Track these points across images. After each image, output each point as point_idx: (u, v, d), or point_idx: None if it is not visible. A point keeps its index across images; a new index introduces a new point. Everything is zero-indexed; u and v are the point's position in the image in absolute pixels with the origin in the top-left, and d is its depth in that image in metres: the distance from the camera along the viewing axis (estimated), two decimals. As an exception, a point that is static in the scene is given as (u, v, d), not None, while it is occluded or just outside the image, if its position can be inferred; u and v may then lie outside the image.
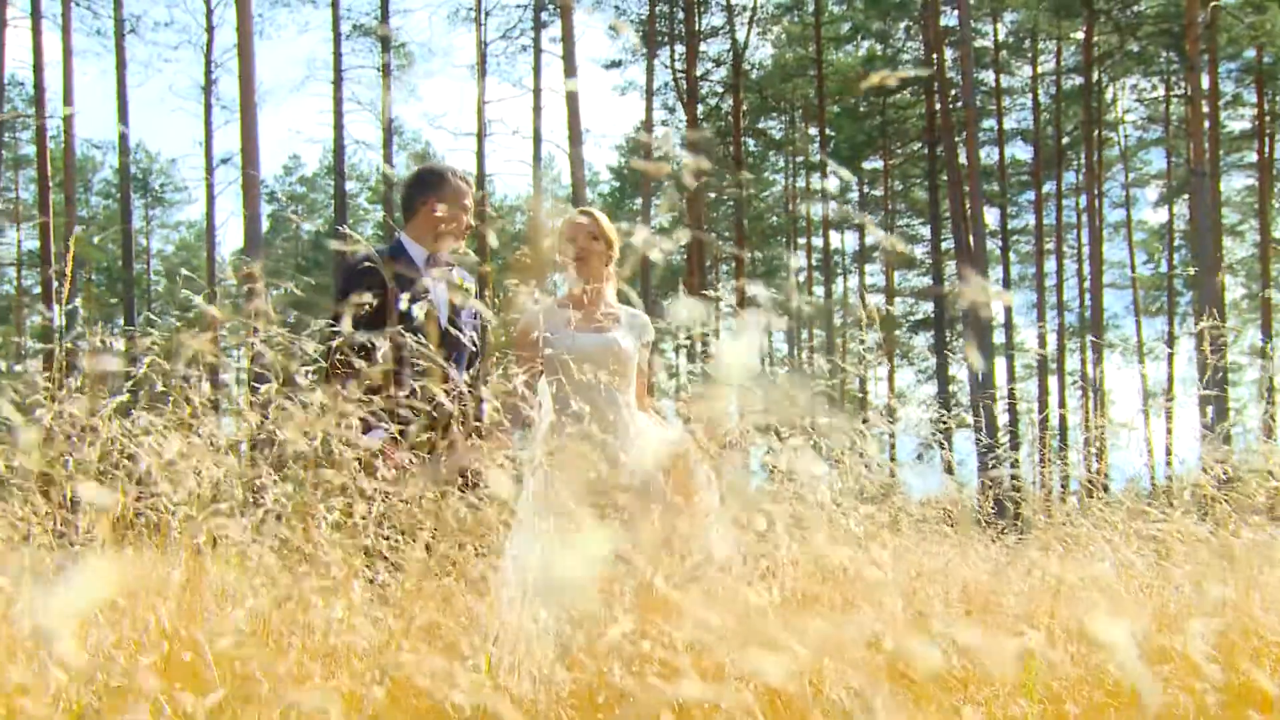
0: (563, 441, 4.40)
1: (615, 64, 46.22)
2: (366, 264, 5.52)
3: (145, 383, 3.20)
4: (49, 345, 3.58)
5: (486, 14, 43.29)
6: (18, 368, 3.28)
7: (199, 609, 2.55)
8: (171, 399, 3.08)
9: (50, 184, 38.10)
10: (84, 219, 52.21)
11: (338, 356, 4.04)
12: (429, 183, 6.15)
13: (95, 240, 51.08)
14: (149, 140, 72.35)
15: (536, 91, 41.75)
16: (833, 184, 47.82)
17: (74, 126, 38.84)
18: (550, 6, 40.95)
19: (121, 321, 41.53)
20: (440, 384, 3.70)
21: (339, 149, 41.63)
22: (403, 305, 3.92)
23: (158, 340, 3.36)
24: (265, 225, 42.00)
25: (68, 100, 37.64)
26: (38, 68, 37.13)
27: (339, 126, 41.13)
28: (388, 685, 2.25)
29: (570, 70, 36.64)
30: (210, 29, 42.16)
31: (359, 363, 3.37)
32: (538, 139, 41.57)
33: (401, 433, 3.66)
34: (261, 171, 34.65)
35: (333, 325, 4.68)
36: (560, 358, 5.53)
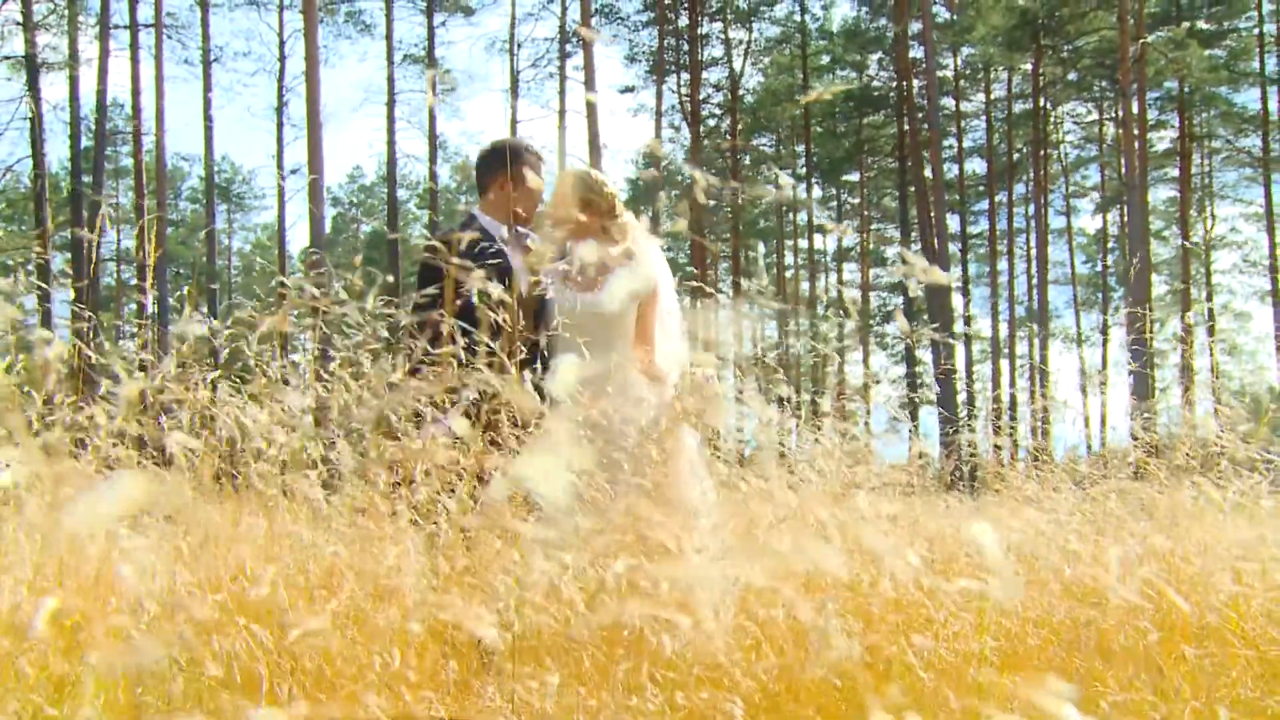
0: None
1: (629, 89, 46.62)
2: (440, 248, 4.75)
3: (229, 359, 3.18)
4: (144, 327, 3.55)
5: (519, 45, 43.31)
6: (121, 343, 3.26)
7: (274, 553, 2.54)
8: (249, 373, 3.06)
9: (145, 191, 38.23)
10: (174, 221, 52.25)
11: (417, 339, 3.63)
12: (504, 157, 5.42)
13: (184, 239, 51.19)
14: (231, 153, 72.37)
15: (561, 112, 41.76)
16: (814, 193, 47.90)
17: (165, 142, 38.83)
18: (574, 40, 40.90)
19: (205, 310, 41.61)
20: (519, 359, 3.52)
21: (391, 161, 41.59)
22: (474, 286, 3.44)
23: (239, 320, 3.34)
24: (329, 226, 42.01)
25: (160, 119, 37.68)
26: (135, 92, 37.30)
27: (391, 142, 41.09)
28: (429, 622, 2.23)
29: (591, 93, 36.59)
30: (282, 58, 42.13)
31: (421, 343, 3.29)
32: (562, 153, 41.54)
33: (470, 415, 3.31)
34: (325, 180, 34.71)
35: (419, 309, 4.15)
36: (555, 319, 4.99)
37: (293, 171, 42.16)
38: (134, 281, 44.02)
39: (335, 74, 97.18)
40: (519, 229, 5.43)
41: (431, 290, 3.51)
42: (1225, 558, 2.97)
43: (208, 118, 40.03)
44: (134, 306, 43.02)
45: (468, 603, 2.13)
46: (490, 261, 4.85)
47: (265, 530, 2.61)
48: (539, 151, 5.53)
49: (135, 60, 37.32)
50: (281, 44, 42.26)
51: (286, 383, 3.32)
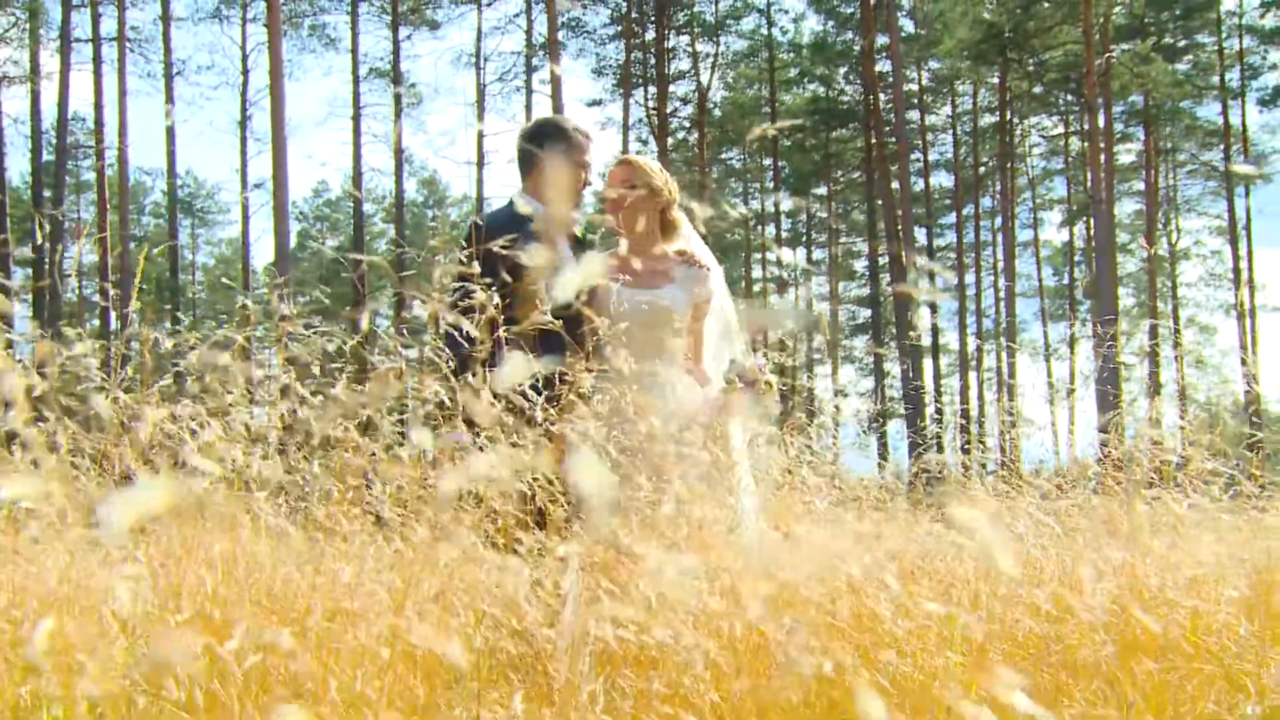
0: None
1: (596, 102, 46.51)
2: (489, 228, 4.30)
3: (188, 375, 3.15)
4: (105, 344, 3.51)
5: (485, 59, 43.31)
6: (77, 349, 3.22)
7: (234, 576, 2.53)
8: (209, 390, 3.05)
9: (108, 206, 38.05)
10: (136, 236, 51.99)
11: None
12: (548, 135, 5.09)
13: (148, 252, 50.88)
14: (194, 168, 72.06)
15: (528, 127, 41.75)
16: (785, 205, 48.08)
17: (128, 156, 38.68)
18: (541, 54, 40.94)
19: (168, 325, 41.41)
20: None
21: (357, 175, 41.51)
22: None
23: (199, 337, 3.32)
24: (293, 242, 41.85)
25: (123, 133, 37.54)
26: (97, 105, 37.24)
27: (357, 156, 41.00)
28: (393, 643, 2.23)
29: (558, 108, 36.60)
30: (245, 72, 41.99)
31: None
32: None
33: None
34: (290, 195, 34.63)
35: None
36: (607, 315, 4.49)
37: (257, 186, 42.07)
38: (96, 298, 43.86)
39: (300, 88, 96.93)
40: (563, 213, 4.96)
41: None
42: (1185, 572, 3.00)
43: (170, 132, 39.89)
44: (96, 323, 42.77)
45: (427, 623, 2.14)
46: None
47: (226, 550, 2.60)
48: (586, 131, 5.20)
49: (98, 74, 37.26)
50: (245, 57, 42.14)
51: (252, 399, 3.31)
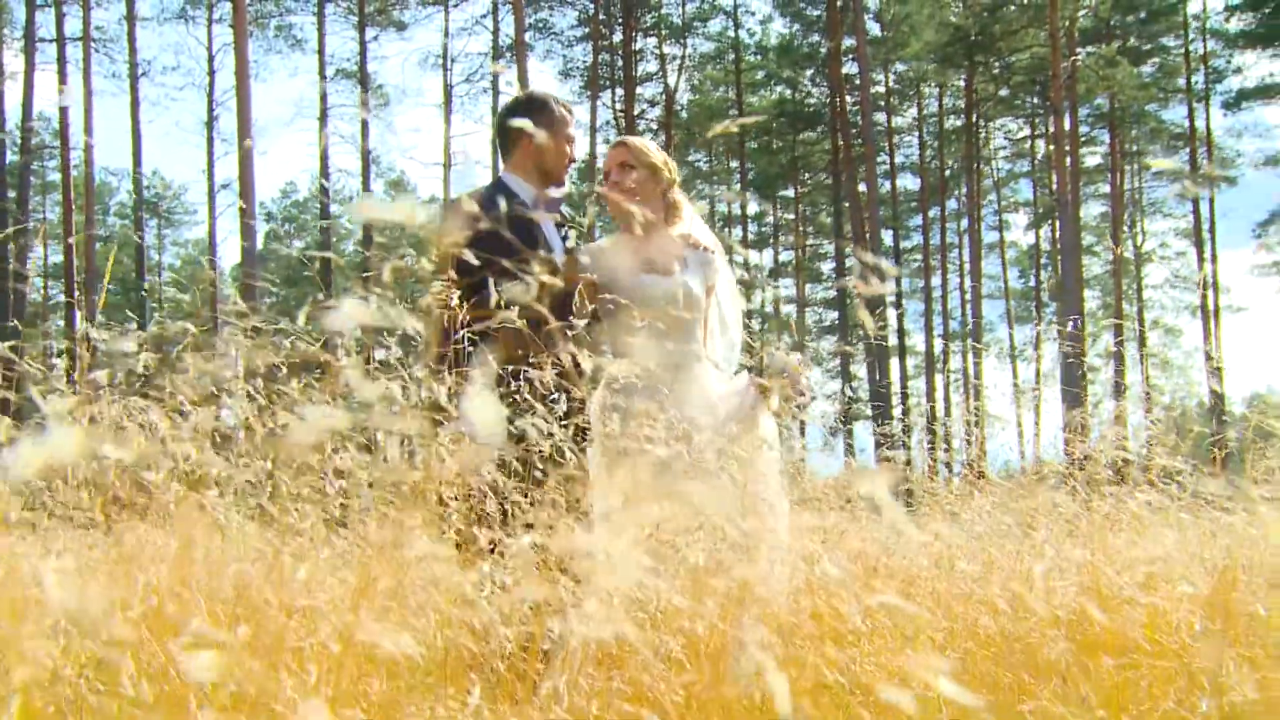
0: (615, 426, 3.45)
1: (564, 105, 46.36)
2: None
3: (146, 374, 3.11)
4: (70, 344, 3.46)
5: (452, 60, 43.29)
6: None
7: (189, 572, 2.51)
8: (169, 389, 3.01)
9: (73, 206, 37.80)
10: (102, 237, 51.64)
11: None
12: (529, 109, 4.76)
13: (113, 253, 50.56)
14: (160, 168, 71.59)
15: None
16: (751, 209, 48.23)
17: (93, 156, 38.50)
18: (507, 55, 40.89)
19: (134, 326, 41.18)
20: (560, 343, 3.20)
21: (324, 176, 41.42)
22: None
23: (163, 336, 3.29)
24: (260, 242, 41.73)
25: (88, 133, 37.40)
26: (62, 106, 36.94)
27: (324, 157, 40.90)
28: (349, 641, 2.21)
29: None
30: (212, 73, 41.80)
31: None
32: (496, 168, 41.50)
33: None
34: (257, 195, 34.54)
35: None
36: (621, 304, 4.40)
37: (223, 186, 41.83)
38: (61, 298, 43.63)
39: (266, 88, 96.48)
40: (549, 191, 4.80)
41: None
42: (1144, 570, 3.01)
43: (136, 132, 39.62)
44: (61, 323, 42.51)
45: (387, 620, 2.12)
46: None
47: (178, 548, 2.58)
48: (569, 105, 4.91)
49: (62, 74, 37.02)
50: (211, 58, 41.94)
51: (216, 398, 3.28)
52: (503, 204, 3.25)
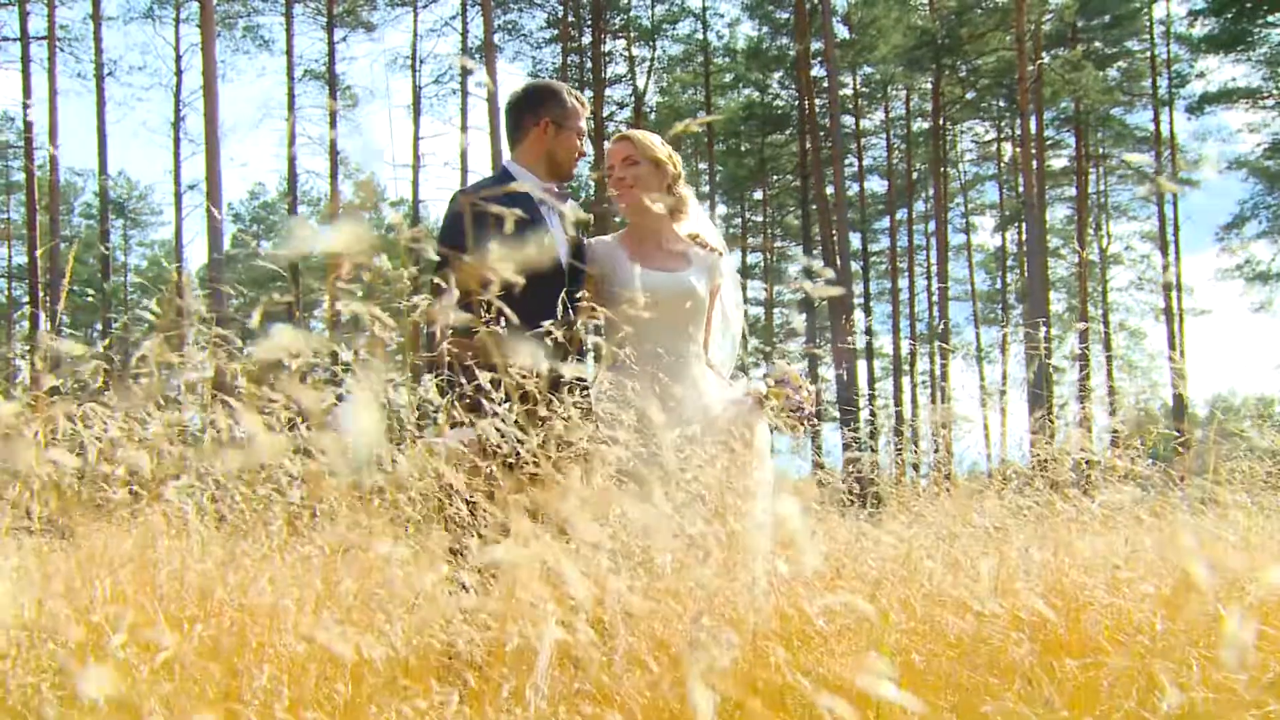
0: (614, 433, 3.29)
1: (533, 106, 46.20)
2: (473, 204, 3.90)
3: (100, 376, 3.08)
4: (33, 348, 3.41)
5: (421, 61, 43.22)
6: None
7: (147, 575, 2.49)
8: (127, 391, 2.99)
9: (37, 207, 37.49)
10: (67, 238, 51.27)
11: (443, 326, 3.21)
12: (541, 99, 4.62)
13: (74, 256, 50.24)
14: (126, 169, 71.10)
15: (464, 128, 41.70)
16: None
17: (59, 156, 38.18)
18: (477, 56, 40.84)
19: (100, 328, 40.91)
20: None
21: (292, 178, 41.26)
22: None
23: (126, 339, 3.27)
24: (228, 243, 41.51)
25: (53, 133, 37.01)
26: (26, 105, 36.61)
27: (292, 158, 40.76)
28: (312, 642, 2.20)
29: (494, 110, 36.53)
30: (179, 73, 41.56)
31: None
32: (465, 170, 41.48)
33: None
34: (225, 196, 34.32)
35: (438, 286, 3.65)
36: (625, 300, 4.28)
37: (190, 187, 41.58)
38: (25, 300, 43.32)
39: (234, 89, 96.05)
40: (557, 186, 4.66)
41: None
42: (1105, 570, 3.02)
43: (101, 132, 39.34)
44: (25, 325, 42.15)
45: (353, 624, 2.11)
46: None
47: (138, 553, 2.56)
48: (580, 95, 4.72)
49: (26, 73, 36.67)
50: (178, 58, 41.70)
51: (179, 403, 3.26)
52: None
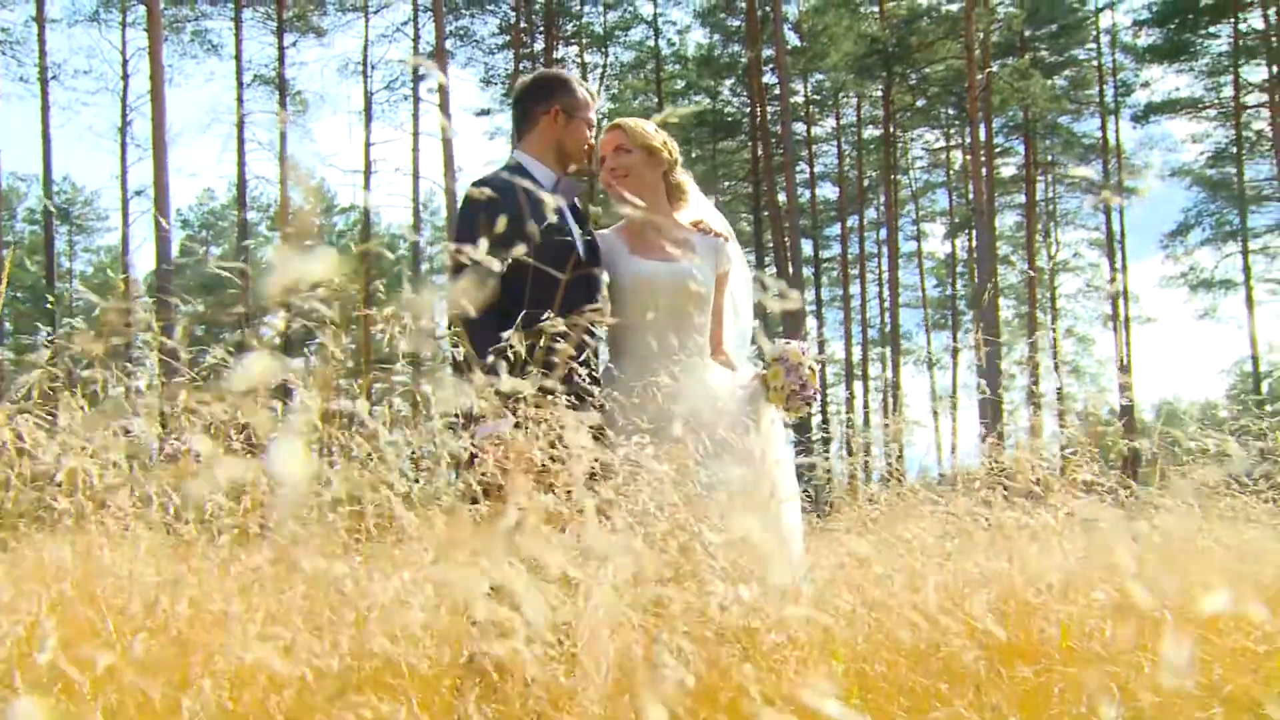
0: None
1: (485, 112, 46.15)
2: (489, 196, 3.84)
3: (39, 385, 3.02)
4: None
5: (372, 67, 43.02)
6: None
7: (92, 591, 2.46)
8: (65, 401, 2.94)
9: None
10: (9, 243, 50.64)
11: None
12: (551, 87, 4.50)
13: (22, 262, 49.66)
14: (72, 173, 70.31)
15: (415, 135, 41.51)
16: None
17: (1, 161, 37.78)
18: (428, 62, 40.70)
19: (46, 335, 40.51)
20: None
21: (241, 183, 40.93)
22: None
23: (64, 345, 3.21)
24: (176, 249, 41.17)
25: (-5, 138, 36.57)
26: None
27: (241, 164, 40.40)
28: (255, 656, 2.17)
29: (446, 116, 36.45)
30: (125, 77, 41.17)
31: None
32: (417, 176, 41.36)
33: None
34: (173, 202, 34.02)
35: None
36: (620, 291, 4.22)
37: (138, 193, 41.18)
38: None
39: (182, 94, 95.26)
40: (567, 177, 4.53)
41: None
42: (1058, 579, 3.04)
43: (46, 136, 38.90)
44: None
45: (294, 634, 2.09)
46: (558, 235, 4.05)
47: (82, 565, 2.53)
48: (590, 87, 4.60)
49: (-33, 77, 36.26)
50: (124, 62, 41.31)
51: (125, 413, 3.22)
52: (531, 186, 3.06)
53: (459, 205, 4.21)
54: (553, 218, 2.89)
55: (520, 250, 2.53)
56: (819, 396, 4.46)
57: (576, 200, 4.52)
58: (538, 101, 4.47)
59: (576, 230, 4.33)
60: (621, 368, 4.15)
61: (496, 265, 2.35)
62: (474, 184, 4.12)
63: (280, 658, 1.86)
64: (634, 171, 4.53)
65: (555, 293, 3.27)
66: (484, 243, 2.31)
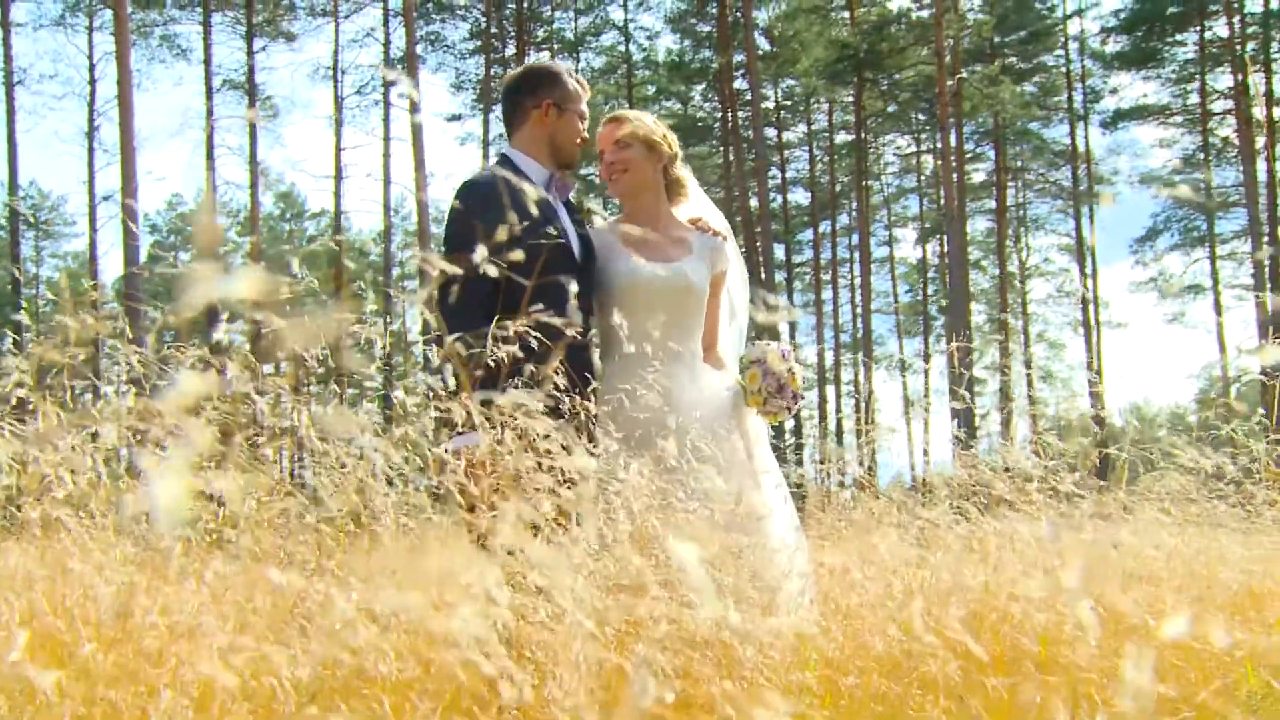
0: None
1: (456, 117, 46.14)
2: (482, 199, 3.78)
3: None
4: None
5: (343, 72, 42.83)
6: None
7: (60, 600, 2.43)
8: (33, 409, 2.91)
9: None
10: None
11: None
12: (540, 80, 4.33)
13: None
14: (38, 179, 69.64)
15: (386, 139, 41.35)
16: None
17: (-34, 166, 37.45)
18: (399, 67, 40.58)
19: (10, 342, 40.15)
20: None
21: (211, 189, 40.73)
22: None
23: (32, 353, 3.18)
24: (145, 254, 40.87)
25: (-41, 144, 36.32)
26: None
27: (211, 169, 40.19)
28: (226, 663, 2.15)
29: (416, 122, 36.36)
30: (93, 81, 40.88)
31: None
32: (388, 181, 41.23)
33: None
34: (142, 207, 33.80)
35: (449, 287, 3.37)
36: (615, 291, 4.14)
37: (105, 198, 40.86)
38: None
39: (150, 98, 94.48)
40: (559, 174, 4.37)
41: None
42: (1035, 587, 3.04)
43: (11, 141, 38.60)
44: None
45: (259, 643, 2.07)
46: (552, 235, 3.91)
47: (49, 573, 2.50)
48: (581, 78, 4.45)
49: (-69, 81, 35.98)
50: (92, 66, 41.02)
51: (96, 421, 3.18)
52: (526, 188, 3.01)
53: (450, 208, 4.11)
54: (534, 211, 2.88)
55: (518, 255, 2.51)
56: (800, 400, 4.32)
57: (571, 197, 4.42)
58: (527, 96, 4.34)
59: (571, 228, 4.25)
60: (613, 368, 4.03)
61: (494, 272, 2.34)
62: (464, 184, 4.06)
63: (247, 669, 1.83)
64: (633, 166, 4.43)
65: (549, 293, 3.16)
66: (482, 250, 2.29)
